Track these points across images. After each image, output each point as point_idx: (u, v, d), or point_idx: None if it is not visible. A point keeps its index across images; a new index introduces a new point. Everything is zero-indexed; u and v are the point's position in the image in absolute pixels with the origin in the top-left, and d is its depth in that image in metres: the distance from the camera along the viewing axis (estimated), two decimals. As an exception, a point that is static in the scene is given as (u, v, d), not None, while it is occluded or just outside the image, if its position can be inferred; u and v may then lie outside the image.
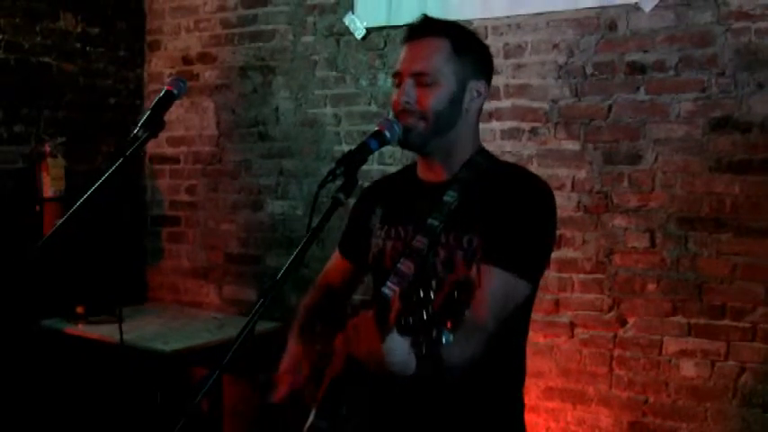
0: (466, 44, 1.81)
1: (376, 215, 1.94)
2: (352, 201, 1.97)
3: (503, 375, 1.80)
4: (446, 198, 1.77)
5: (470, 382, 1.65)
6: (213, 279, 4.35)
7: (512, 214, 1.71)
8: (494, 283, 1.63)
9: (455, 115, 1.79)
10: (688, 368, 3.08)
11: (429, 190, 1.83)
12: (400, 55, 1.82)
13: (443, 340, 1.21)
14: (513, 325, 1.75)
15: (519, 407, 1.88)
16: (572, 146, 3.30)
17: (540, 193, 1.79)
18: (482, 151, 1.87)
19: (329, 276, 2.09)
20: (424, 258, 1.74)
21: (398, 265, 1.75)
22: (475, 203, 1.74)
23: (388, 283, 1.75)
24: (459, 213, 1.75)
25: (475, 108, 1.83)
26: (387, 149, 1.99)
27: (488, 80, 1.86)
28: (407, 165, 2.00)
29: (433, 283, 1.24)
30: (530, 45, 3.38)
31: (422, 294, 1.24)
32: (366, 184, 2.07)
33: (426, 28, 1.81)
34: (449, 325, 1.21)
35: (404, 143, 1.79)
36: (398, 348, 1.41)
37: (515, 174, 1.85)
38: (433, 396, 1.69)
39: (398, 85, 1.79)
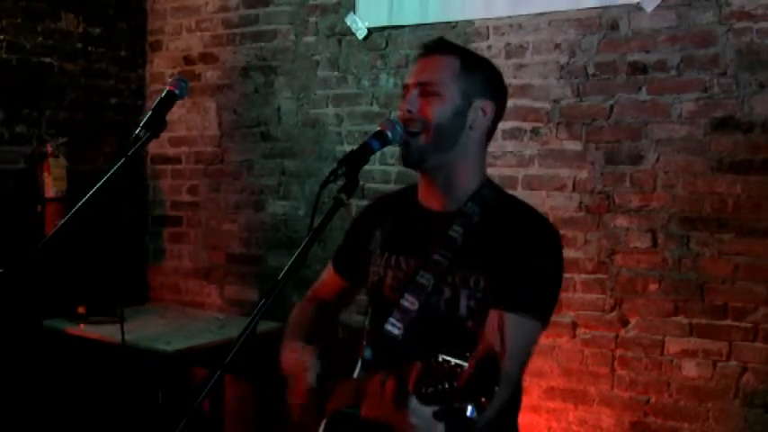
0: (475, 64, 1.82)
1: (375, 238, 1.92)
2: (353, 201, 1.97)
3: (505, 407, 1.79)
4: (452, 233, 1.75)
5: None
6: (215, 279, 4.35)
7: (520, 258, 1.70)
8: (515, 331, 1.63)
9: (457, 130, 1.77)
10: (690, 368, 3.08)
11: (433, 220, 1.81)
12: (410, 70, 1.84)
13: (469, 415, 1.19)
14: None
15: (514, 429, 1.87)
16: (574, 146, 3.30)
17: (549, 236, 1.78)
18: (488, 183, 1.85)
19: (321, 291, 2.09)
20: (428, 295, 1.74)
21: (402, 301, 1.75)
22: (482, 243, 1.73)
23: (391, 320, 1.74)
24: (466, 252, 1.74)
25: (480, 127, 1.80)
26: (388, 150, 1.98)
27: (497, 102, 1.83)
28: (408, 186, 1.97)
29: (455, 349, 1.22)
30: (531, 45, 3.38)
31: (443, 362, 1.21)
32: (368, 185, 2.07)
33: (439, 46, 1.83)
34: (483, 403, 1.18)
35: (404, 159, 1.78)
36: (420, 418, 1.36)
37: (524, 215, 1.81)
38: None
39: (405, 97, 1.80)
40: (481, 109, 1.80)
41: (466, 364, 1.19)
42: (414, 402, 1.32)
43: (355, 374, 1.82)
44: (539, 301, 1.72)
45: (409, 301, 1.74)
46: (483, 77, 1.82)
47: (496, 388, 1.18)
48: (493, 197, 1.82)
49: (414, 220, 1.86)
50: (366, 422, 1.55)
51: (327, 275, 2.09)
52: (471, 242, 1.74)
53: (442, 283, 1.74)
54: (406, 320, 1.73)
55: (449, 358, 1.21)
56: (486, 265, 1.71)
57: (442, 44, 1.84)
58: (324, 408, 1.75)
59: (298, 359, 1.79)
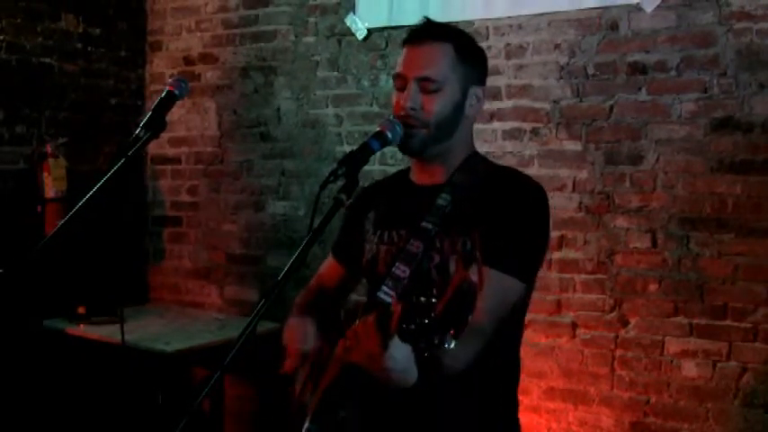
0: (468, 50, 1.82)
1: (369, 220, 1.94)
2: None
3: (497, 375, 1.80)
4: (439, 201, 1.76)
5: (466, 382, 1.65)
6: (215, 279, 4.35)
7: (504, 215, 1.71)
8: (495, 287, 1.62)
9: (456, 122, 1.79)
10: (689, 368, 3.08)
11: (421, 192, 1.83)
12: (401, 57, 1.82)
13: (446, 346, 1.20)
14: (508, 325, 1.75)
15: (513, 406, 1.88)
16: (573, 146, 3.30)
17: (532, 193, 1.79)
18: (475, 154, 1.88)
19: (322, 280, 2.09)
20: (419, 262, 1.74)
21: (393, 270, 1.75)
22: (470, 207, 1.74)
23: (384, 288, 1.75)
24: (454, 217, 1.75)
25: (473, 113, 1.84)
26: (388, 150, 1.98)
27: (485, 83, 1.87)
28: (401, 169, 2.00)
29: (434, 289, 1.24)
30: (531, 45, 3.38)
31: (422, 300, 1.23)
32: (367, 185, 2.07)
33: (430, 32, 1.81)
34: (452, 332, 1.20)
35: (403, 148, 1.79)
36: (400, 355, 1.40)
37: (509, 176, 1.85)
38: (429, 397, 1.68)
39: (399, 88, 1.79)
40: (476, 96, 1.82)
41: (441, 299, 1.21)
42: (395, 343, 1.33)
43: None
44: (523, 261, 1.72)
45: (401, 269, 1.74)
46: (476, 63, 1.83)
47: (470, 317, 1.19)
48: (480, 166, 1.84)
49: (405, 197, 1.88)
50: (355, 383, 1.56)
51: (328, 264, 2.10)
52: (459, 208, 1.75)
53: (432, 249, 1.74)
54: (399, 288, 1.74)
55: (426, 297, 1.22)
56: (475, 228, 1.71)
57: (433, 30, 1.82)
58: (319, 381, 1.75)
59: (299, 330, 1.83)
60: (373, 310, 1.56)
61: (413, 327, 1.24)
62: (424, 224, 1.75)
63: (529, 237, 1.74)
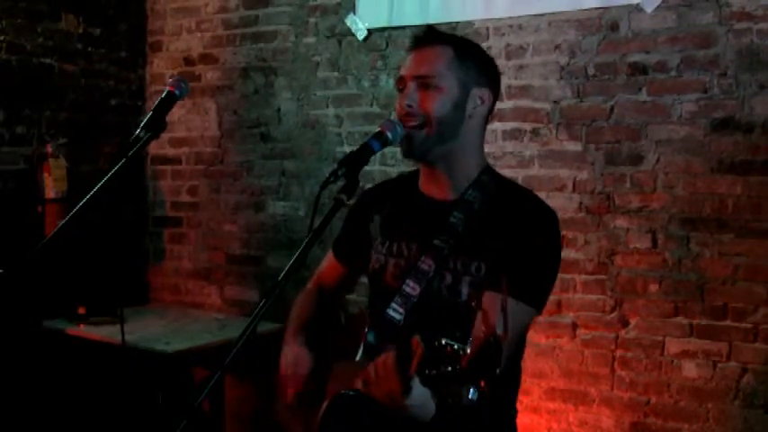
0: (469, 51, 1.83)
1: (374, 223, 1.93)
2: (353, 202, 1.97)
3: (499, 390, 1.80)
4: (452, 220, 1.76)
5: None
6: (215, 280, 4.35)
7: (521, 244, 1.71)
8: (512, 316, 1.64)
9: (458, 121, 1.78)
10: (690, 369, 3.08)
11: (434, 207, 1.82)
12: (404, 62, 1.84)
13: (471, 397, 1.20)
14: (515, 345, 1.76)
15: (511, 418, 1.88)
16: (574, 146, 3.30)
17: (548, 222, 1.79)
18: (488, 170, 1.86)
19: (322, 279, 2.10)
20: (429, 281, 1.74)
21: (404, 287, 1.75)
22: (483, 228, 1.74)
23: (393, 305, 1.75)
24: (467, 237, 1.74)
25: (478, 115, 1.82)
26: (388, 150, 1.99)
27: (493, 89, 1.85)
28: (409, 172, 1.98)
29: (456, 332, 1.23)
30: (531, 46, 3.38)
31: (444, 343, 1.22)
32: (367, 186, 2.06)
33: (430, 37, 1.83)
34: (482, 384, 1.20)
35: (407, 152, 1.79)
36: (419, 393, 1.40)
37: (524, 200, 1.83)
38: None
39: (401, 90, 1.80)
40: (479, 97, 1.81)
41: (468, 349, 1.20)
42: (415, 384, 1.35)
43: (357, 358, 1.84)
44: (536, 289, 1.73)
45: (411, 287, 1.75)
46: (477, 65, 1.83)
47: (497, 371, 1.19)
48: (492, 184, 1.83)
49: (415, 208, 1.87)
50: (366, 403, 1.56)
51: (328, 262, 2.10)
52: (472, 228, 1.75)
53: (444, 268, 1.74)
54: (408, 305, 1.74)
55: (452, 342, 1.22)
56: (487, 252, 1.72)
57: (433, 35, 1.83)
58: (323, 390, 1.75)
59: (295, 367, 1.83)
60: (383, 329, 1.56)
61: (434, 372, 1.24)
62: (436, 242, 1.75)
63: (545, 266, 1.75)
